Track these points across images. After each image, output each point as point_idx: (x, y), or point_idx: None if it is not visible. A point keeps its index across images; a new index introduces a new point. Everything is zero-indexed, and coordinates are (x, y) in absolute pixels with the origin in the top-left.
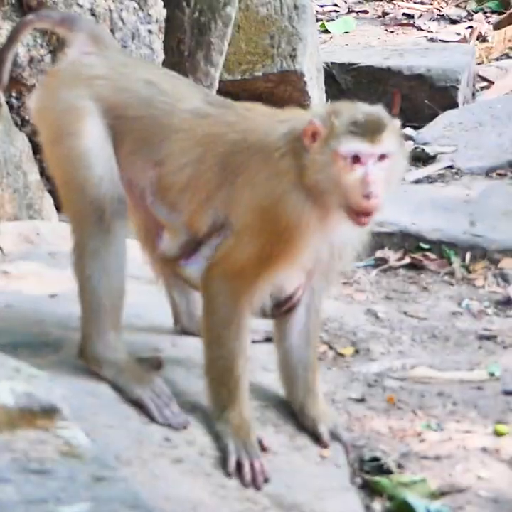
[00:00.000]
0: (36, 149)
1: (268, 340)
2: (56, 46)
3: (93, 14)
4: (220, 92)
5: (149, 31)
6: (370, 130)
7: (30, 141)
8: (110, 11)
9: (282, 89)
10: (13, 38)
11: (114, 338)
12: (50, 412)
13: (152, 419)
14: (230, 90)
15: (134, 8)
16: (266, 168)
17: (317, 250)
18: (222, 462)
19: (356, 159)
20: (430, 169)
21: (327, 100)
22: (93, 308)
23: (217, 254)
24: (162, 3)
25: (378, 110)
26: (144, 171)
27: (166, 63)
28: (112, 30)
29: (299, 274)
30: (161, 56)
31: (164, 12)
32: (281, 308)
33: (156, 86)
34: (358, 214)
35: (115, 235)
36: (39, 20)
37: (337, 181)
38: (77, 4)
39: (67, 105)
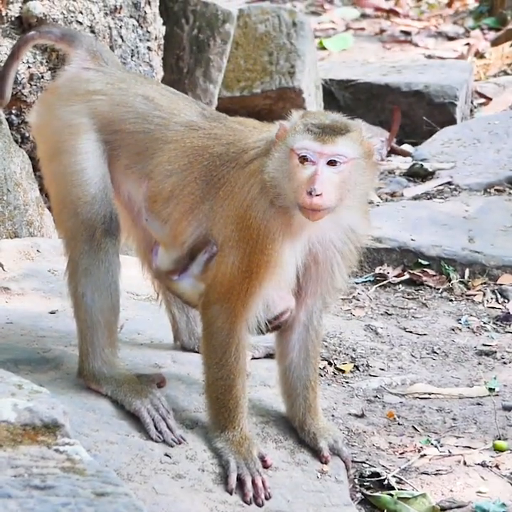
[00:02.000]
0: (36, 166)
1: (268, 356)
2: (56, 63)
3: (93, 31)
4: (219, 108)
5: (148, 48)
6: (325, 132)
7: (30, 158)
8: (109, 28)
9: (281, 106)
10: (15, 54)
11: (110, 354)
12: (52, 428)
13: (146, 433)
14: (229, 107)
15: (134, 25)
16: (241, 177)
17: (294, 259)
18: (224, 479)
19: (307, 158)
20: (429, 185)
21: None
22: (88, 325)
23: (209, 276)
24: (161, 21)
25: (347, 120)
26: (138, 185)
27: (165, 80)
28: (111, 47)
29: (285, 292)
30: (160, 73)
31: (163, 29)
32: (269, 327)
33: (153, 101)
34: (306, 210)
35: (107, 252)
36: (40, 36)
37: (288, 177)
38: (77, 21)
39: (64, 122)
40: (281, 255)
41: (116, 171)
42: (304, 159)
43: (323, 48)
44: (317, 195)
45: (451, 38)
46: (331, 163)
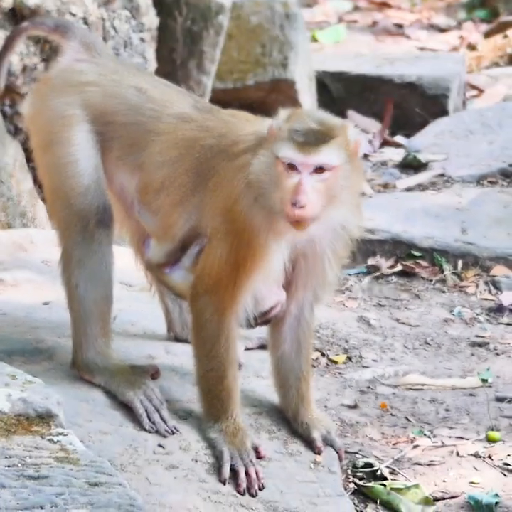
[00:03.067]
0: (30, 157)
1: (261, 347)
2: (49, 54)
3: (86, 23)
4: (212, 100)
5: (142, 40)
6: (308, 141)
7: (24, 149)
8: (103, 19)
9: (274, 98)
10: (8, 45)
11: (103, 345)
12: (45, 418)
13: (140, 424)
14: (222, 99)
15: (127, 16)
16: (230, 170)
17: (281, 254)
18: (217, 470)
19: (292, 167)
20: (421, 177)
21: (318, 108)
22: (81, 316)
23: (197, 268)
24: (154, 12)
25: (330, 121)
26: (130, 177)
27: (158, 72)
28: (104, 39)
29: (275, 286)
30: (153, 65)
31: (157, 21)
32: (259, 320)
33: (146, 93)
34: (290, 219)
35: (100, 243)
36: (34, 27)
37: (273, 182)
38: (70, 13)
39: (57, 113)
40: (267, 250)
41: (109, 162)
42: (288, 167)
43: (316, 40)
44: (301, 207)
45: (443, 30)
46: (317, 171)
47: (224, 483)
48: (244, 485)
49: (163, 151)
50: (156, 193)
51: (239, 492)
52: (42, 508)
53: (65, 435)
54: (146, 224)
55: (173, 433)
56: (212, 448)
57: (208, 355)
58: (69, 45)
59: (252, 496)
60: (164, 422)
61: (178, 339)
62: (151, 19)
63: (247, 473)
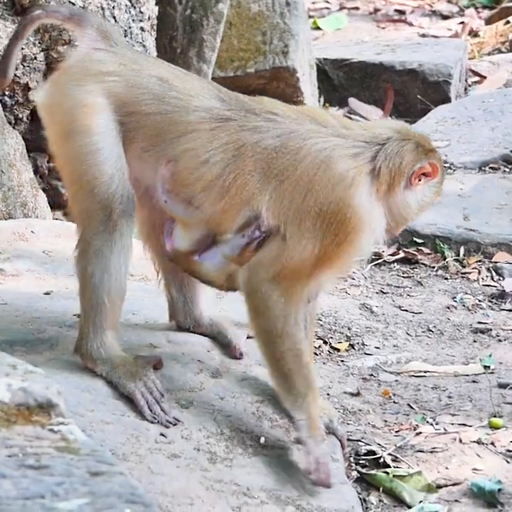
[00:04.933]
0: (30, 147)
1: None
2: (49, 44)
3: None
4: None
5: (141, 29)
6: None
7: (24, 139)
8: (102, 8)
9: (274, 86)
10: (19, 33)
11: (110, 336)
12: (46, 408)
13: (141, 414)
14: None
15: (126, 5)
16: (328, 176)
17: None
18: (302, 460)
19: None
20: None
21: (320, 96)
22: (93, 306)
23: (261, 257)
24: (154, 1)
25: None
26: (155, 167)
27: None
28: None
29: None
30: (153, 53)
31: (156, 9)
32: None
33: (168, 82)
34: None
35: (121, 234)
36: (47, 15)
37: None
38: (70, 1)
39: (79, 101)
40: (358, 250)
41: (130, 152)
42: None
43: (318, 28)
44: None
45: (445, 17)
46: None
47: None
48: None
49: (207, 150)
50: (203, 191)
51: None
52: (42, 497)
53: (65, 425)
54: (176, 213)
55: (174, 424)
56: (297, 430)
57: (281, 335)
58: (85, 33)
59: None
60: (165, 413)
61: (180, 328)
62: (151, 8)
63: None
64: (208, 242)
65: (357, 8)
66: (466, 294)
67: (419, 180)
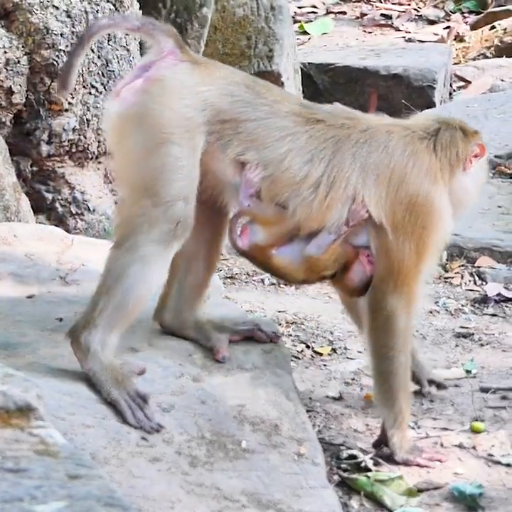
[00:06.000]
0: (13, 151)
1: (246, 339)
2: (32, 48)
3: (69, 16)
4: None
5: (125, 33)
6: None
7: (7, 143)
8: (86, 12)
9: None
10: (83, 43)
11: (114, 339)
12: (25, 411)
13: (126, 421)
14: None
15: (110, 9)
16: (417, 170)
17: None
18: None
19: None
20: None
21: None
22: (115, 304)
23: (378, 273)
24: (138, 5)
25: None
26: (239, 172)
27: None
28: None
29: None
30: (137, 57)
31: (140, 13)
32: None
33: (254, 90)
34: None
35: (172, 249)
36: (114, 25)
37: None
38: (53, 6)
39: (180, 115)
40: (445, 236)
41: (223, 158)
42: None
43: (304, 32)
44: None
45: (431, 22)
46: None
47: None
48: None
49: (307, 149)
50: (309, 188)
51: None
52: (21, 500)
53: (45, 428)
54: (260, 213)
55: (157, 430)
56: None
57: (402, 350)
58: (162, 43)
59: None
60: (149, 419)
61: (164, 328)
62: (135, 12)
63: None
64: (287, 237)
65: (344, 13)
66: (449, 298)
67: (471, 162)
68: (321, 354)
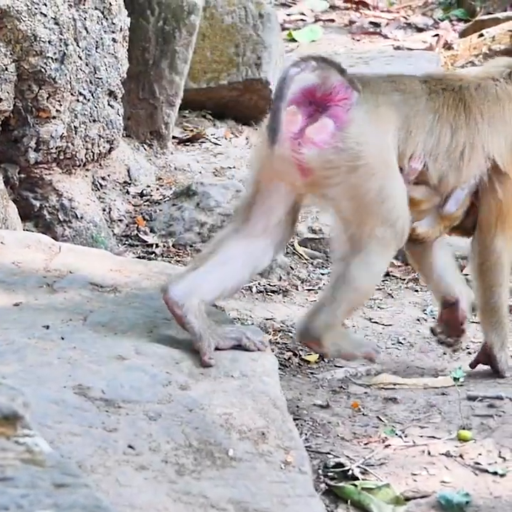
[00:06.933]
0: (0, 158)
1: (234, 347)
2: (20, 55)
3: (57, 23)
4: (185, 101)
5: (114, 40)
6: None
7: None
8: (74, 19)
9: (247, 98)
10: (284, 96)
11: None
12: (12, 420)
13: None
14: (195, 98)
15: (98, 17)
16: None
17: None
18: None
19: None
20: None
21: None
22: (350, 307)
23: (485, 216)
24: (126, 12)
25: None
26: (414, 160)
27: (130, 72)
28: (75, 39)
29: None
30: (125, 65)
31: (128, 21)
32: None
33: (399, 88)
34: None
35: (393, 254)
36: (302, 71)
37: None
38: (41, 13)
39: (378, 148)
40: None
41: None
42: None
43: (293, 40)
44: None
45: (420, 30)
46: None
47: None
48: None
49: (450, 123)
50: (461, 155)
51: None
52: (6, 509)
53: (31, 437)
54: (419, 194)
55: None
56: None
57: (506, 285)
58: (330, 77)
59: None
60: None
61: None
62: (123, 19)
63: None
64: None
65: (332, 21)
66: (437, 306)
67: None
68: (308, 362)
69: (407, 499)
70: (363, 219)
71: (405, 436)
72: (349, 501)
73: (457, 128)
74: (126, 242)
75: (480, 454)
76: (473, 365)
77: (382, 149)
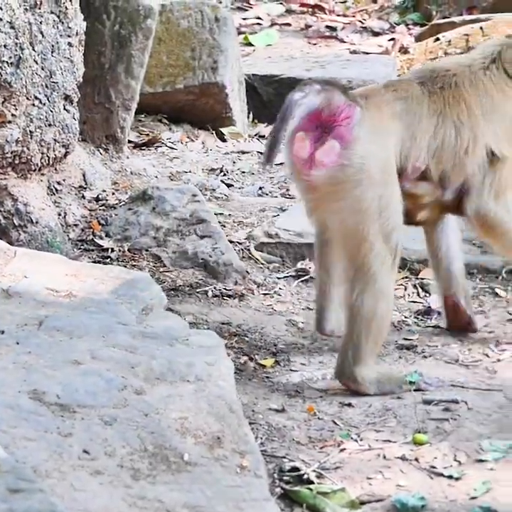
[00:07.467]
0: None
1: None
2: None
3: (12, 27)
4: (141, 104)
5: (69, 44)
6: None
7: None
8: (29, 23)
9: (204, 102)
10: (285, 119)
11: (373, 358)
12: None
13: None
14: (151, 103)
15: (54, 20)
16: (505, 97)
17: None
18: None
19: None
20: None
21: (249, 112)
22: (373, 339)
23: (480, 186)
24: (82, 16)
25: None
26: (416, 161)
27: (86, 76)
28: (31, 43)
29: None
30: (81, 69)
31: (84, 25)
32: None
33: (401, 96)
34: None
35: (395, 273)
36: (306, 95)
37: None
38: None
39: (381, 162)
40: None
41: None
42: None
43: (249, 44)
44: None
45: (376, 34)
46: None
47: None
48: None
49: (452, 123)
50: (465, 153)
51: None
52: None
53: None
54: (421, 190)
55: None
56: None
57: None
58: (334, 98)
59: None
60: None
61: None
62: (79, 23)
63: None
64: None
65: (288, 25)
66: (393, 310)
67: None
68: (264, 366)
69: (363, 503)
70: (363, 233)
71: (361, 440)
72: (304, 505)
73: (460, 126)
74: (82, 247)
75: (435, 458)
76: None
77: (385, 161)
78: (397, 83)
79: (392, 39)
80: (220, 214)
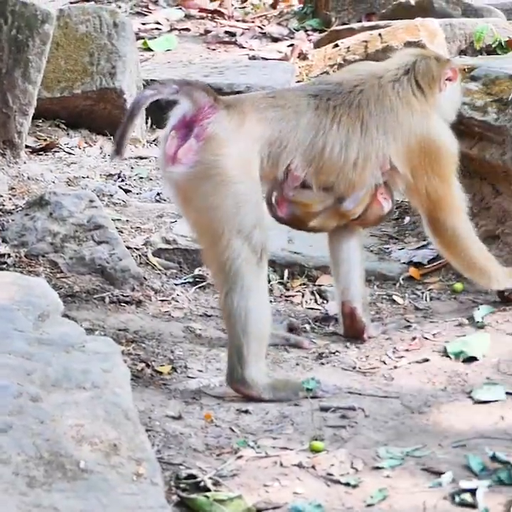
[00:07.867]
0: None
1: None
2: None
3: None
4: (38, 109)
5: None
6: None
7: None
8: None
9: (102, 107)
10: (134, 113)
11: (263, 363)
12: None
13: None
14: (49, 108)
15: None
16: (410, 110)
17: None
18: None
19: None
20: None
21: (147, 118)
22: (254, 339)
23: (422, 205)
24: None
25: None
26: (295, 170)
27: None
28: None
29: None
30: None
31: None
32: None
33: (277, 104)
34: None
35: (264, 270)
36: (159, 93)
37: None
38: None
39: (236, 160)
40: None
41: (283, 171)
42: None
43: (149, 49)
44: None
45: (275, 39)
46: None
47: None
48: None
49: (341, 137)
50: (353, 166)
51: None
52: None
53: None
54: (304, 199)
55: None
56: None
57: (475, 245)
58: (198, 99)
59: None
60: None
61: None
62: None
63: None
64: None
65: (188, 30)
66: (290, 317)
67: (446, 85)
68: (161, 373)
69: (259, 510)
70: (219, 231)
71: (258, 448)
72: None
73: (349, 143)
74: None
75: (332, 465)
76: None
77: (243, 160)
78: (282, 92)
79: (292, 45)
80: (118, 220)
